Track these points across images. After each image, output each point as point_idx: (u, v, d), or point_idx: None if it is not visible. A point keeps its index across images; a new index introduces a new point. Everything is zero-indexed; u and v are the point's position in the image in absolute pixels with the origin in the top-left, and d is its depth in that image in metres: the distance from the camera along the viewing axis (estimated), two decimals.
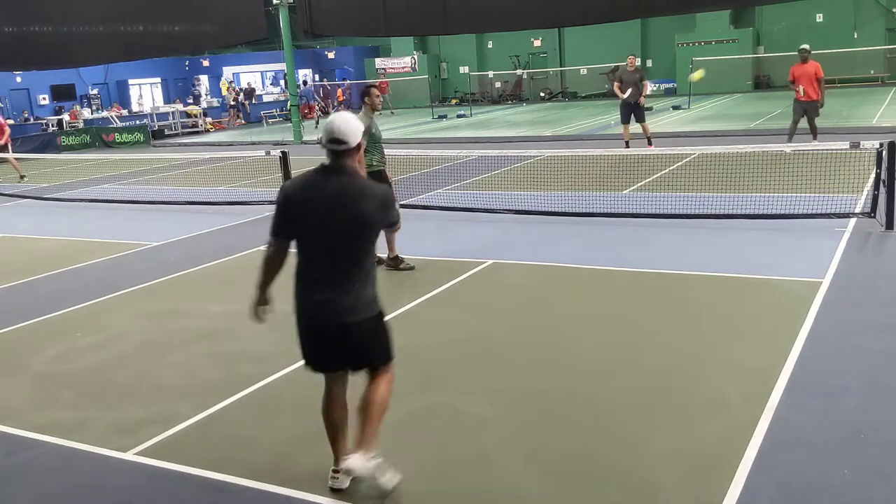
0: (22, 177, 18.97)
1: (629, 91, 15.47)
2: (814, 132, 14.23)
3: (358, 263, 3.96)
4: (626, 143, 15.83)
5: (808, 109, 14.19)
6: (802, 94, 14.12)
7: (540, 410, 4.89)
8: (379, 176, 8.35)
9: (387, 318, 4.13)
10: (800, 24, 33.39)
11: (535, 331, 6.37)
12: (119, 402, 5.41)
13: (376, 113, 8.24)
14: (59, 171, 20.23)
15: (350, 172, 3.94)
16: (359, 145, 3.94)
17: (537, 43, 39.07)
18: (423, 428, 4.74)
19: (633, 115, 15.71)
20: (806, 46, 14.54)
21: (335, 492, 4.05)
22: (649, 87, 16.78)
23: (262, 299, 4.26)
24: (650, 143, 15.51)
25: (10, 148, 19.88)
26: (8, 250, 10.91)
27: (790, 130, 14.37)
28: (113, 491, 4.28)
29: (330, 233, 3.88)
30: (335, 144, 3.88)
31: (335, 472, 4.10)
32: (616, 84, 15.95)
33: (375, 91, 8.14)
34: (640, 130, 15.89)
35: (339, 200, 3.86)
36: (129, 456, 4.59)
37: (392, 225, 4.24)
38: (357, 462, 3.87)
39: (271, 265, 4.12)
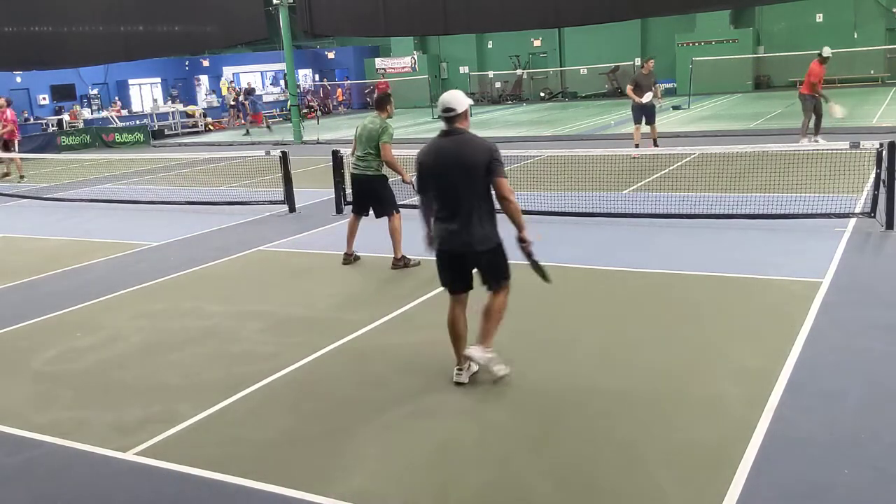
0: (21, 177, 18.99)
1: (648, 94, 15.28)
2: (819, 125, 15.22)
3: (477, 200, 5.11)
4: (637, 144, 15.28)
5: (817, 105, 15.07)
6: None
7: (540, 410, 4.89)
8: (383, 181, 8.41)
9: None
10: (800, 24, 33.41)
11: (534, 330, 6.37)
12: (119, 402, 5.41)
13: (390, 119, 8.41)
14: (59, 171, 20.23)
15: (461, 132, 5.20)
16: (466, 111, 5.21)
17: (537, 43, 39.07)
18: (423, 427, 4.74)
19: (644, 117, 15.51)
20: (828, 51, 15.17)
21: (459, 385, 5.21)
22: (659, 90, 16.46)
23: (430, 237, 5.43)
24: (655, 144, 15.36)
25: (16, 146, 19.95)
26: (8, 250, 10.91)
27: (807, 126, 15.04)
28: (113, 491, 4.28)
29: (452, 177, 5.10)
30: (447, 113, 5.18)
31: (458, 369, 5.30)
32: (630, 87, 15.61)
33: (392, 101, 8.39)
34: (648, 132, 15.67)
35: (456, 152, 5.13)
36: (129, 456, 4.59)
37: (497, 173, 5.06)
38: (477, 352, 5.22)
39: (425, 212, 5.39)
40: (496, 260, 5.26)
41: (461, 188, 5.09)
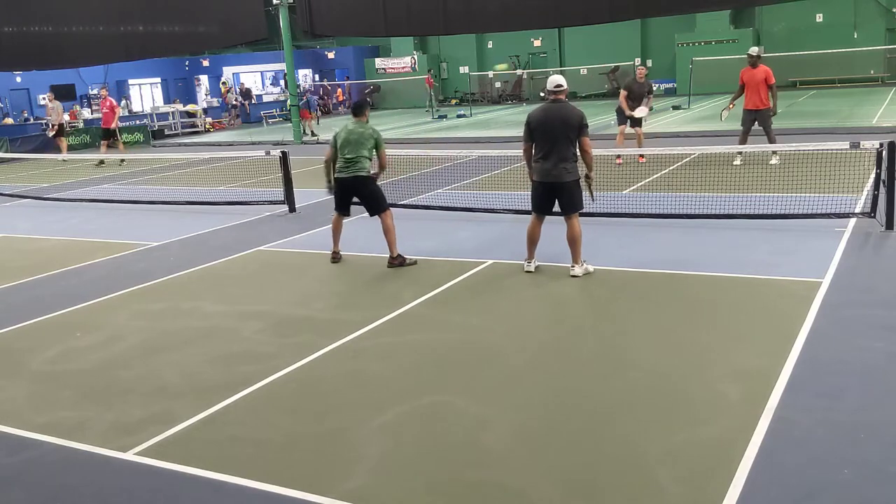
0: (121, 161, 20.79)
1: (642, 109, 14.44)
2: (770, 138, 13.35)
3: (568, 148, 7.41)
4: (618, 145, 14.50)
5: (758, 118, 13.39)
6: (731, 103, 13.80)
7: (540, 410, 4.89)
8: (374, 180, 8.59)
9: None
10: (800, 24, 33.45)
11: (534, 330, 6.37)
12: (119, 402, 5.41)
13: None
14: (59, 171, 20.23)
15: (564, 102, 7.52)
16: (566, 89, 7.51)
17: (537, 43, 39.09)
18: (422, 426, 4.74)
19: (629, 121, 14.65)
20: (754, 51, 13.92)
21: (528, 273, 7.83)
22: (650, 103, 14.89)
23: (532, 172, 7.70)
24: (642, 157, 14.45)
25: (118, 134, 21.72)
26: (8, 250, 10.91)
27: (740, 141, 13.43)
28: (113, 491, 4.28)
29: (554, 132, 7.40)
30: (559, 87, 7.46)
31: (528, 262, 7.92)
32: (623, 93, 14.73)
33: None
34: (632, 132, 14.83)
35: (560, 114, 7.44)
36: (129, 456, 4.58)
37: (584, 133, 7.45)
38: (577, 270, 7.60)
39: (528, 154, 7.73)
40: (576, 190, 7.52)
41: (560, 139, 7.36)
